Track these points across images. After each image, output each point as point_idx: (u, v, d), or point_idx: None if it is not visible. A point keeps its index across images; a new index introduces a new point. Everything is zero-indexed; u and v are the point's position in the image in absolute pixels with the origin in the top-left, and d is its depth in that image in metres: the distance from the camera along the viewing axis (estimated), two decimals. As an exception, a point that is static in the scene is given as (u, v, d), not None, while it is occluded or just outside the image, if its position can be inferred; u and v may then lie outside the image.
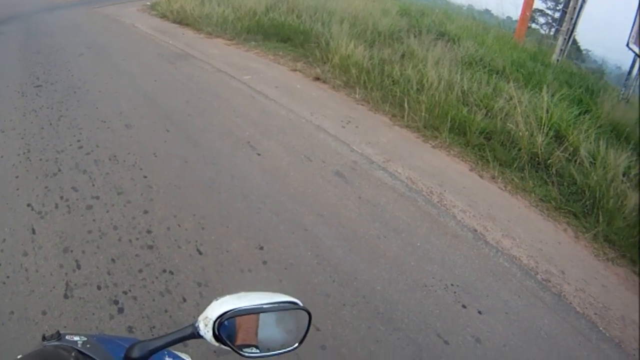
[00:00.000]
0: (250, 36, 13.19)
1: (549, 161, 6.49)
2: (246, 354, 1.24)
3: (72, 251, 4.05)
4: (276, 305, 1.24)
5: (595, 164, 6.40)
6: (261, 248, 4.26)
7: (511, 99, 7.95)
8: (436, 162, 6.47)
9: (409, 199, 5.37)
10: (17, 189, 5.01)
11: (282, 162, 5.95)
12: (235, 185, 5.31)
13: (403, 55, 10.39)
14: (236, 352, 1.24)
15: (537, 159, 6.56)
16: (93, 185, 5.03)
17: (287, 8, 14.34)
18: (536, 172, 6.38)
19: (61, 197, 4.75)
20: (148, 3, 18.46)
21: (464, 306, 3.90)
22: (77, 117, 6.77)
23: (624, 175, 6.27)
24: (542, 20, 42.67)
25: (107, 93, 8.03)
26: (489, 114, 7.68)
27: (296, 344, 1.33)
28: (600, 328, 4.07)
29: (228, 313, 1.18)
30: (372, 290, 3.89)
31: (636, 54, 10.92)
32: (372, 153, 6.40)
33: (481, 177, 6.22)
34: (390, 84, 8.98)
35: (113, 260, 3.91)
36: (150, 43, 12.33)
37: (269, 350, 1.29)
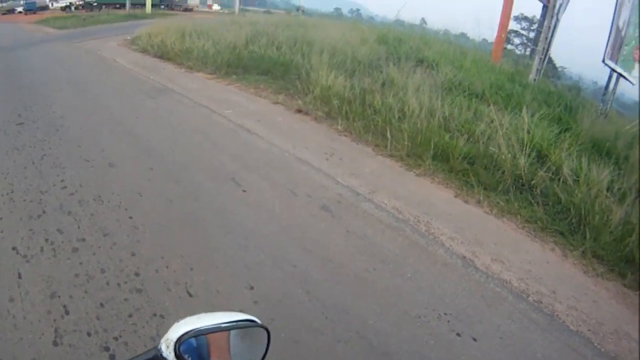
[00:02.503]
0: (231, 69, 13.32)
1: (532, 182, 6.56)
2: None
3: (59, 296, 3.96)
4: (234, 323, 1.28)
5: (578, 181, 6.50)
6: (251, 288, 4.14)
7: (492, 122, 8.07)
8: (421, 190, 6.53)
9: (396, 230, 5.37)
10: (2, 232, 4.90)
11: (267, 196, 5.92)
12: (220, 222, 5.23)
13: (383, 84, 10.52)
14: None
15: (520, 180, 6.63)
16: (78, 227, 4.88)
17: (267, 40, 14.49)
18: (520, 193, 6.44)
19: (46, 240, 4.59)
20: (128, 37, 18.59)
21: (458, 334, 3.85)
22: (60, 155, 6.74)
23: (607, 190, 6.37)
24: (517, 40, 43.58)
25: (89, 130, 8.00)
26: (471, 138, 7.78)
27: None
28: (595, 344, 4.09)
29: (189, 333, 1.20)
30: (365, 325, 3.81)
31: (612, 69, 11.51)
32: (357, 185, 6.43)
33: (466, 202, 6.28)
34: (371, 113, 9.04)
35: (102, 304, 3.79)
36: (131, 78, 12.39)
37: None
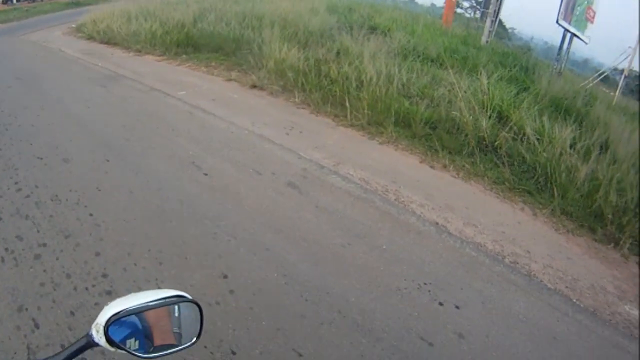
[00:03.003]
0: (181, 49, 13.10)
1: (496, 143, 6.69)
2: (141, 356, 1.29)
3: (27, 309, 3.79)
4: (162, 300, 1.28)
5: (541, 140, 6.64)
6: (225, 277, 4.10)
7: (451, 86, 8.16)
8: (385, 158, 6.56)
9: (366, 201, 5.39)
10: (-43, 244, 4.74)
11: (231, 179, 5.87)
12: (186, 210, 5.14)
13: (338, 53, 10.43)
14: (130, 353, 1.28)
15: (484, 142, 6.75)
16: (38, 231, 4.71)
17: (215, 17, 14.18)
18: (485, 155, 6.57)
19: (6, 249, 4.41)
20: (73, 26, 18.04)
21: (440, 304, 3.93)
22: (12, 156, 6.43)
23: (571, 148, 6.50)
24: (466, 4, 43.50)
25: (40, 126, 7.72)
26: (431, 103, 7.87)
27: (194, 339, 1.39)
28: (574, 300, 4.19)
29: (118, 314, 1.21)
30: (347, 303, 3.84)
31: (565, 29, 11.74)
32: (320, 158, 6.43)
33: (433, 167, 6.37)
34: (328, 84, 9.03)
35: (72, 312, 3.66)
36: (79, 67, 12.04)
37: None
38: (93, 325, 1.23)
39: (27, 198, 5.49)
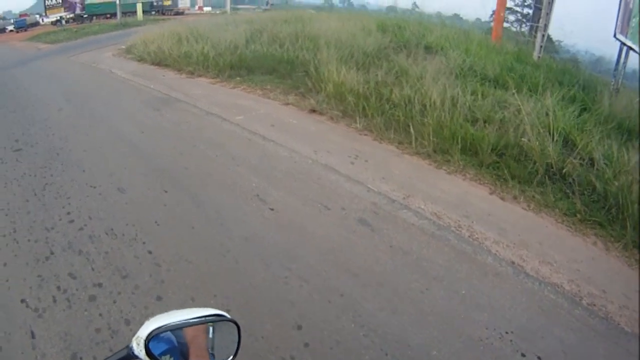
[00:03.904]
0: (234, 71, 12.70)
1: (564, 170, 6.27)
2: None
3: (81, 358, 3.36)
4: (202, 318, 1.30)
5: (610, 166, 6.20)
6: (299, 327, 3.68)
7: (516, 110, 7.73)
8: (455, 189, 6.18)
9: (440, 239, 4.98)
10: (7, 280, 4.28)
11: (299, 214, 5.40)
12: (252, 250, 4.71)
13: (396, 75, 10.02)
14: None
15: (551, 169, 6.34)
16: (92, 269, 4.33)
17: (267, 38, 13.88)
18: (554, 184, 6.15)
19: (58, 288, 4.06)
20: (123, 47, 18.07)
21: (523, 355, 3.55)
22: (64, 183, 6.16)
23: (641, 174, 6.01)
24: (512, 17, 43.06)
25: (93, 151, 7.39)
26: (497, 128, 7.39)
27: (230, 357, 1.40)
28: None
29: (159, 329, 1.23)
30: (429, 357, 3.47)
31: (623, 43, 11.06)
32: (389, 190, 6.00)
33: (503, 199, 5.96)
34: (390, 108, 8.55)
35: None
36: (130, 89, 11.81)
37: None
38: (134, 338, 1.24)
39: (81, 231, 5.07)
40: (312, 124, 8.84)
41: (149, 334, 1.23)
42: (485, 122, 7.63)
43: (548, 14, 12.46)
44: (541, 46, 12.49)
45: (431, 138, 7.22)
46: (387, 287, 4.22)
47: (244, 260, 4.54)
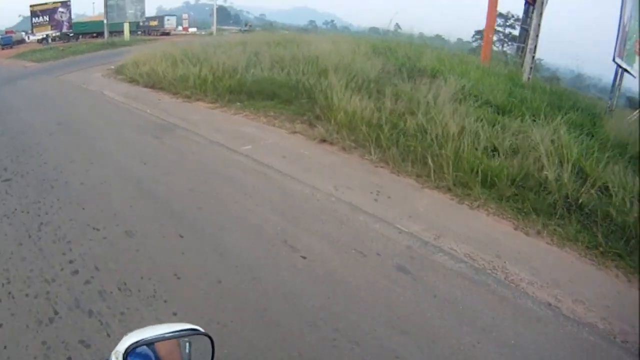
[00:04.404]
0: (234, 96, 12.16)
1: (579, 201, 6.22)
2: None
3: None
4: (177, 332, 1.38)
5: (625, 193, 6.20)
6: None
7: (525, 137, 7.77)
8: (481, 226, 6.00)
9: (480, 284, 4.76)
10: (5, 347, 3.59)
11: (334, 263, 4.93)
12: (292, 308, 4.19)
13: (404, 102, 9.74)
14: None
15: (568, 199, 6.29)
16: (108, 335, 3.64)
17: (270, 62, 13.47)
18: (570, 215, 6.09)
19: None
20: (112, 67, 17.59)
21: None
22: (62, 223, 5.53)
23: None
24: (494, 37, 43.59)
25: (91, 185, 6.74)
26: (511, 158, 7.36)
27: None
28: None
29: (136, 343, 1.30)
30: None
31: (619, 66, 11.71)
32: (419, 230, 5.69)
33: (527, 234, 5.81)
34: (405, 138, 8.20)
35: None
36: (125, 113, 11.23)
37: None
38: (113, 353, 1.29)
39: (88, 285, 4.38)
40: (324, 155, 8.39)
41: (127, 349, 1.26)
42: (496, 151, 7.56)
43: (537, 36, 12.99)
44: (531, 67, 13.01)
45: (451, 171, 6.99)
46: (439, 343, 3.91)
47: (286, 322, 4.01)
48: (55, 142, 8.83)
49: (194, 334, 1.41)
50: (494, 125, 8.31)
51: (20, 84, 16.04)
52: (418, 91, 10.03)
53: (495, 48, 33.67)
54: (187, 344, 1.45)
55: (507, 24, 43.45)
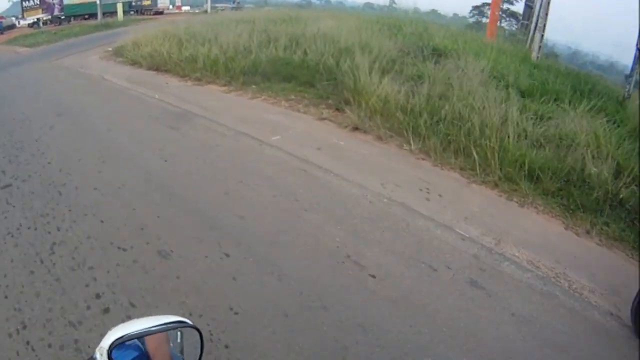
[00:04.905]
0: (248, 78, 11.27)
1: (620, 197, 5.99)
2: None
3: None
4: (164, 326, 1.32)
5: None
6: None
7: (559, 127, 7.50)
8: (534, 227, 5.69)
9: (550, 297, 4.47)
10: None
11: (407, 282, 4.40)
12: (376, 343, 3.65)
13: (426, 84, 9.11)
14: None
15: (609, 195, 6.04)
16: None
17: (287, 41, 12.68)
18: (612, 211, 5.87)
19: None
20: (109, 49, 16.77)
21: None
22: (78, 243, 4.66)
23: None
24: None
25: (107, 190, 5.83)
26: (549, 147, 7.07)
27: None
28: None
29: (121, 338, 1.25)
30: None
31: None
32: (479, 235, 5.29)
33: (578, 234, 5.56)
34: (445, 127, 7.68)
35: None
36: (132, 100, 10.32)
37: None
38: (97, 349, 1.25)
39: (124, 324, 3.43)
40: (360, 145, 7.72)
41: (112, 344, 1.23)
42: (537, 142, 7.25)
43: (547, 15, 12.79)
44: (539, 46, 12.89)
45: (497, 164, 6.66)
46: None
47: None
48: (58, 136, 7.94)
49: (182, 327, 1.37)
50: (524, 113, 7.87)
51: (13, 71, 15.07)
52: (441, 72, 9.55)
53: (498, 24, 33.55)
54: (179, 334, 1.45)
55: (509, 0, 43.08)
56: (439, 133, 7.53)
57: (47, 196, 5.73)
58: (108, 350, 1.21)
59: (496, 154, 6.75)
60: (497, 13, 18.64)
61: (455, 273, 4.60)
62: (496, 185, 6.50)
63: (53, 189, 5.89)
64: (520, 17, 27.56)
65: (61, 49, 19.71)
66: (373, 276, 4.36)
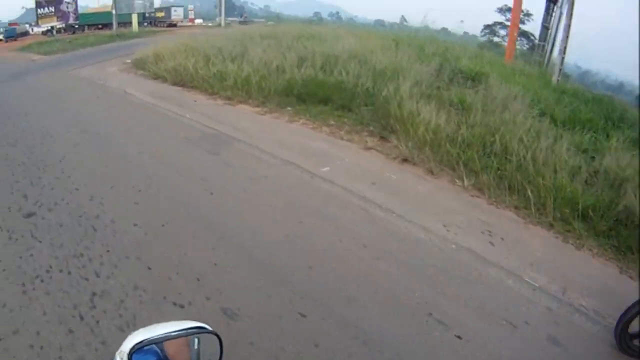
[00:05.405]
0: (282, 99, 10.81)
1: None
2: None
3: None
4: (184, 331, 1.37)
5: None
6: None
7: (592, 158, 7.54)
8: (593, 272, 5.47)
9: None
10: None
11: (493, 342, 4.09)
12: None
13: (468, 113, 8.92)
14: None
15: None
16: None
17: (322, 61, 12.26)
18: None
19: None
20: (128, 60, 16.38)
21: None
22: (124, 295, 4.03)
23: None
24: (502, 32, 43.83)
25: (149, 228, 5.19)
26: (600, 185, 6.87)
27: None
28: None
29: (141, 343, 1.29)
30: None
31: None
32: (546, 284, 5.04)
33: (632, 278, 5.33)
34: (497, 162, 7.37)
35: None
36: (161, 118, 9.82)
37: None
38: (117, 353, 1.28)
39: None
40: (413, 180, 7.33)
41: (132, 348, 1.27)
42: (585, 179, 7.01)
43: (567, 37, 12.83)
44: (560, 69, 12.84)
45: (552, 205, 6.38)
46: None
47: None
48: (84, 157, 7.36)
49: (201, 332, 1.41)
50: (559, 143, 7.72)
51: (29, 79, 14.59)
52: (479, 98, 9.49)
53: (504, 43, 33.51)
54: (196, 341, 1.46)
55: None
56: (491, 168, 7.21)
57: (79, 230, 5.12)
58: (128, 355, 1.24)
59: (551, 194, 6.51)
60: (515, 34, 18.77)
61: (534, 329, 4.35)
62: (551, 225, 6.24)
63: (85, 222, 5.27)
64: (532, 37, 27.57)
65: (77, 59, 19.36)
66: (459, 337, 4.04)
